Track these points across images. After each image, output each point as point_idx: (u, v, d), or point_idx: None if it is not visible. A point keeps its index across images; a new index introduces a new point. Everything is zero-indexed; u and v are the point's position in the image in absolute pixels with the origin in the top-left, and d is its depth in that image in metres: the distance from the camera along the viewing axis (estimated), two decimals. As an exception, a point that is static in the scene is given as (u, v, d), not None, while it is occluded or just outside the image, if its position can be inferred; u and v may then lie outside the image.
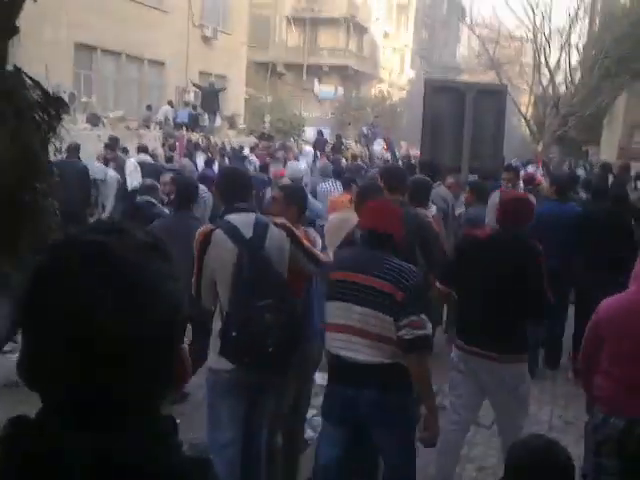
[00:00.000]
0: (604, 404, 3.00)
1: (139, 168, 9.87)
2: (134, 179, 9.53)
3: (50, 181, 2.57)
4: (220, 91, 20.73)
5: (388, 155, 20.63)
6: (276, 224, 3.39)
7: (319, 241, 3.92)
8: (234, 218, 3.34)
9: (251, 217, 3.37)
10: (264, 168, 11.46)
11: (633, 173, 11.63)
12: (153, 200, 6.30)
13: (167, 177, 7.49)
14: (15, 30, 2.08)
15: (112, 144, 10.73)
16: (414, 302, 2.99)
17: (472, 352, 3.65)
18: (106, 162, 9.85)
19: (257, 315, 3.16)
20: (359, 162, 14.87)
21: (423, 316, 2.98)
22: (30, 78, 2.27)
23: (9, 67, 2.29)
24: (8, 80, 2.19)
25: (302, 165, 12.18)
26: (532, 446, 2.15)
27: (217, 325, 3.31)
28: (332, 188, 8.60)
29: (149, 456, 0.85)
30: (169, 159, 12.04)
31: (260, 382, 3.35)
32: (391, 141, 23.01)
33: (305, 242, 3.53)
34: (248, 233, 3.28)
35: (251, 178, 4.06)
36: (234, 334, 3.17)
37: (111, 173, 9.28)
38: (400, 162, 15.97)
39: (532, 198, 5.18)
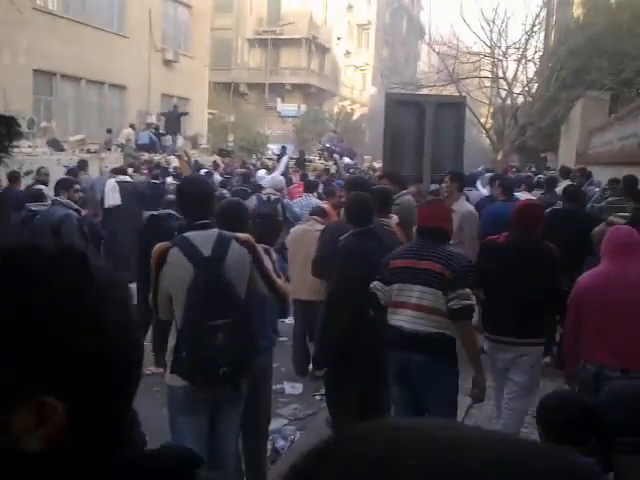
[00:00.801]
0: (583, 354, 3.74)
1: (117, 187, 10.22)
2: (111, 198, 10.07)
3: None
4: (182, 115, 21.08)
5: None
6: (238, 240, 3.31)
7: (268, 261, 3.70)
8: (193, 235, 3.26)
9: (213, 233, 3.29)
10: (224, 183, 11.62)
11: (600, 181, 11.98)
12: (174, 213, 6.30)
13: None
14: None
15: (83, 165, 11.49)
16: (461, 279, 3.60)
17: (500, 341, 4.21)
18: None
19: (208, 336, 3.11)
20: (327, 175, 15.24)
21: (468, 290, 3.61)
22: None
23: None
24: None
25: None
26: (564, 397, 2.63)
27: (172, 341, 3.26)
28: (308, 202, 8.66)
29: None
30: (154, 177, 12.32)
31: (215, 399, 3.30)
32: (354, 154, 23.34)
33: (265, 264, 3.45)
34: (207, 251, 3.20)
35: (212, 190, 3.90)
36: (184, 354, 3.13)
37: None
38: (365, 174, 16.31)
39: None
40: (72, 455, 0.75)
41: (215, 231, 3.32)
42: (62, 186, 6.80)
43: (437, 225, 3.82)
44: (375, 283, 3.88)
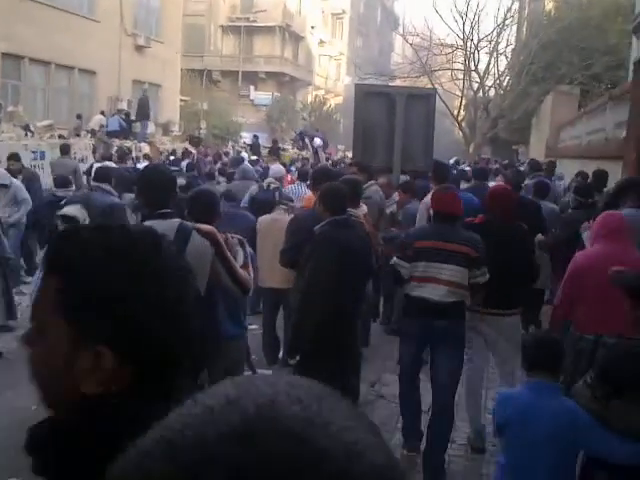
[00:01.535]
0: (579, 327, 4.10)
1: None
2: None
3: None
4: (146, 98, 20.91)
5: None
6: (200, 232, 3.24)
7: (241, 254, 3.72)
8: (153, 224, 3.15)
9: (174, 223, 3.23)
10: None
11: (563, 173, 12.19)
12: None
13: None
14: None
15: (66, 150, 11.77)
16: (482, 258, 4.24)
17: (486, 312, 4.69)
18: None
19: None
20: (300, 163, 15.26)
21: (484, 268, 4.26)
22: None
23: None
24: None
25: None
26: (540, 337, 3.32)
27: None
28: (299, 189, 8.78)
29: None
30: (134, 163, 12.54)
31: None
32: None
33: (229, 256, 3.39)
34: None
35: (174, 179, 3.79)
36: None
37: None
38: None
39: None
40: (121, 405, 0.91)
41: (176, 221, 3.26)
42: (103, 176, 6.86)
43: (452, 209, 4.38)
44: (397, 260, 4.34)
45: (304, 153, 22.01)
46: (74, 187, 7.40)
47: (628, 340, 3.07)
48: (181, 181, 10.69)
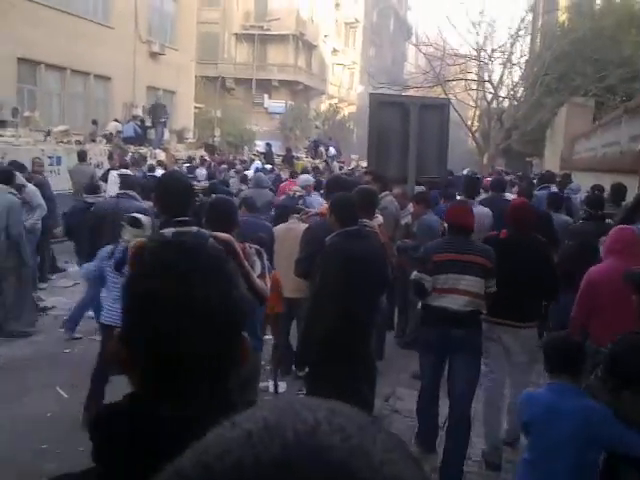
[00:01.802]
0: (595, 340, 4.13)
1: (119, 180, 10.55)
2: (112, 190, 10.59)
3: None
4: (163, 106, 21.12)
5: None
6: (217, 239, 3.16)
7: (258, 264, 3.74)
8: (170, 232, 3.10)
9: (190, 231, 3.21)
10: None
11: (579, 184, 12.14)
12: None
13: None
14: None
15: (83, 156, 11.93)
16: (495, 268, 4.42)
17: (503, 324, 4.78)
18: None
19: None
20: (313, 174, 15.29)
21: (495, 278, 4.43)
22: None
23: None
24: None
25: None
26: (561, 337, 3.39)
27: None
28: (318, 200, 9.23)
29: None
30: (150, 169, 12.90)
31: None
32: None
33: (246, 264, 3.38)
34: None
35: (191, 186, 3.87)
36: None
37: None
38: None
39: None
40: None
41: (193, 229, 3.26)
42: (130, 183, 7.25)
43: (465, 222, 4.54)
44: (420, 275, 4.49)
45: (317, 162, 22.03)
46: (103, 193, 7.80)
47: (635, 334, 3.12)
48: (203, 184, 11.08)
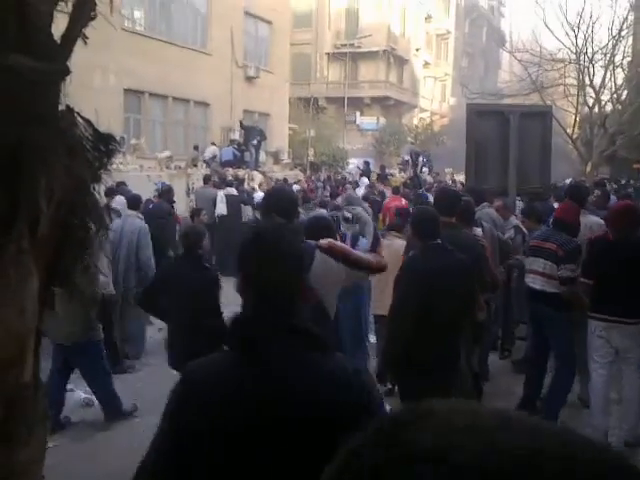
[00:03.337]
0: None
1: (225, 199, 12.66)
2: (220, 208, 12.58)
3: (101, 221, 2.58)
4: (262, 138, 21.61)
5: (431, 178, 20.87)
6: (321, 248, 3.34)
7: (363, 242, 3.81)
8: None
9: None
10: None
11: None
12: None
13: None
14: (67, 70, 2.15)
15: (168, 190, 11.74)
16: (569, 257, 5.13)
17: (612, 321, 4.94)
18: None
19: None
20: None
21: (573, 265, 5.13)
22: (81, 117, 2.33)
23: (61, 107, 2.35)
24: (61, 119, 2.26)
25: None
26: None
27: None
28: None
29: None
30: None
31: None
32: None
33: (351, 251, 3.50)
34: None
35: (297, 199, 4.05)
36: None
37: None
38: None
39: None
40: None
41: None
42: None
43: (562, 217, 5.38)
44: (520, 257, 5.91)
45: (406, 174, 21.95)
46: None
47: None
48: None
